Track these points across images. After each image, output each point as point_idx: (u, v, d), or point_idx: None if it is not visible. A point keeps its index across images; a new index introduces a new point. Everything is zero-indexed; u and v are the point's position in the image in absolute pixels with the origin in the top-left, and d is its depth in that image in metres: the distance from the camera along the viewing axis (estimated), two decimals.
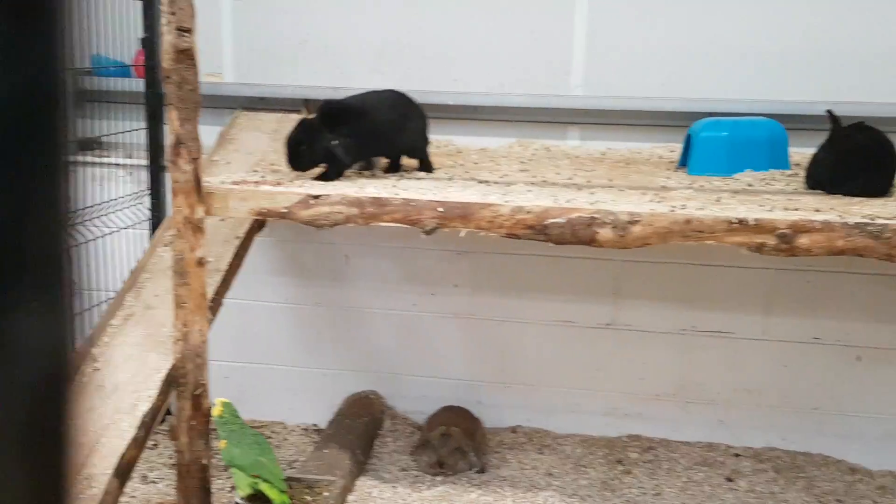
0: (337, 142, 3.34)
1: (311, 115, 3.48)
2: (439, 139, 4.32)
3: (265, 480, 3.17)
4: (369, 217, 3.13)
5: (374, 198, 3.12)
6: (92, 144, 4.48)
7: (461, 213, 3.07)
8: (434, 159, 4.01)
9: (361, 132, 3.44)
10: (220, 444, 3.19)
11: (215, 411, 3.21)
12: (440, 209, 3.07)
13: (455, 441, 4.04)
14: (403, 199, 3.10)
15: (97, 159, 4.46)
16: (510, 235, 3.08)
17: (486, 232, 3.08)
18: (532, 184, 3.44)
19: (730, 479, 4.07)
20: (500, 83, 4.28)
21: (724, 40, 4.11)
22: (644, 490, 3.96)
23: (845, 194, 3.32)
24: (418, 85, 4.28)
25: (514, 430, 4.50)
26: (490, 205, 3.06)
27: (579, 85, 4.23)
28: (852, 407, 4.26)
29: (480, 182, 3.45)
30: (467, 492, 3.88)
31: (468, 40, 4.28)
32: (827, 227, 2.90)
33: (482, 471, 4.05)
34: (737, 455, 4.29)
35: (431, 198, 3.10)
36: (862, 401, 4.25)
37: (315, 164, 3.40)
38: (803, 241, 2.92)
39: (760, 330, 4.26)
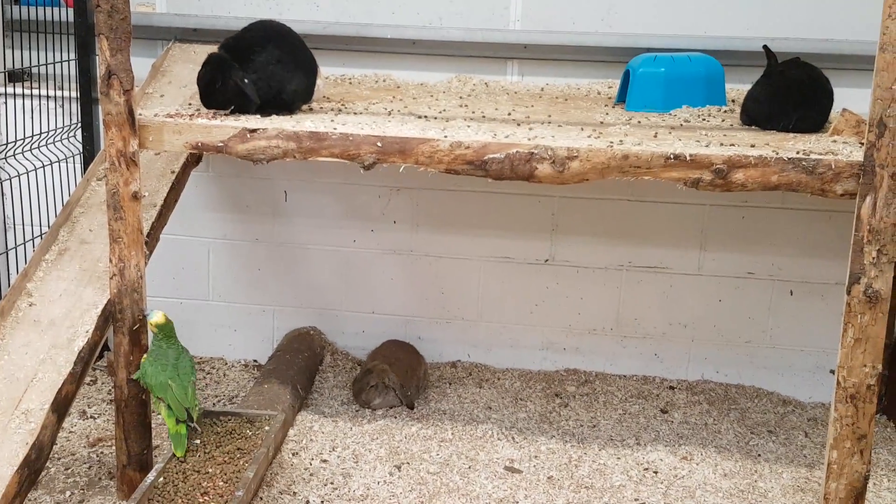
0: (247, 80, 3.26)
1: (218, 50, 3.35)
2: (378, 73, 4.30)
3: (167, 406, 3.14)
4: (307, 152, 3.10)
5: (312, 132, 3.09)
6: (21, 76, 4.38)
7: (400, 148, 3.06)
8: (372, 93, 3.99)
9: (267, 66, 3.33)
10: (143, 359, 3.17)
11: (157, 317, 3.16)
12: (379, 144, 3.05)
13: (374, 378, 4.05)
14: (342, 133, 3.08)
15: (27, 91, 4.36)
16: (449, 171, 3.07)
17: (425, 167, 3.08)
18: (471, 119, 3.43)
19: (664, 411, 4.15)
20: (438, 17, 4.24)
21: None
22: (581, 422, 4.03)
23: (780, 130, 3.36)
24: (355, 18, 4.25)
25: (453, 364, 4.54)
26: (429, 140, 3.05)
27: (518, 20, 4.21)
28: (785, 340, 4.36)
29: (419, 117, 3.43)
30: (407, 425, 3.92)
31: None
32: (762, 162, 2.94)
33: (411, 406, 4.08)
34: (671, 388, 4.37)
35: (370, 132, 3.08)
36: (794, 334, 4.34)
37: (228, 104, 3.29)
38: (738, 175, 2.95)
39: (696, 265, 4.32)
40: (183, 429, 3.18)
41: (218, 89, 3.27)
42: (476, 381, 4.39)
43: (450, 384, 4.35)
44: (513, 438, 3.85)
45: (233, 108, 3.30)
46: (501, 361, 4.55)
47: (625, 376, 4.47)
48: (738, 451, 3.81)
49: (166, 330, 3.19)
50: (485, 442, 3.82)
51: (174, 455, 3.18)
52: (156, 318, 3.18)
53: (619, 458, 3.73)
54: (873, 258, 2.87)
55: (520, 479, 3.56)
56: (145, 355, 3.18)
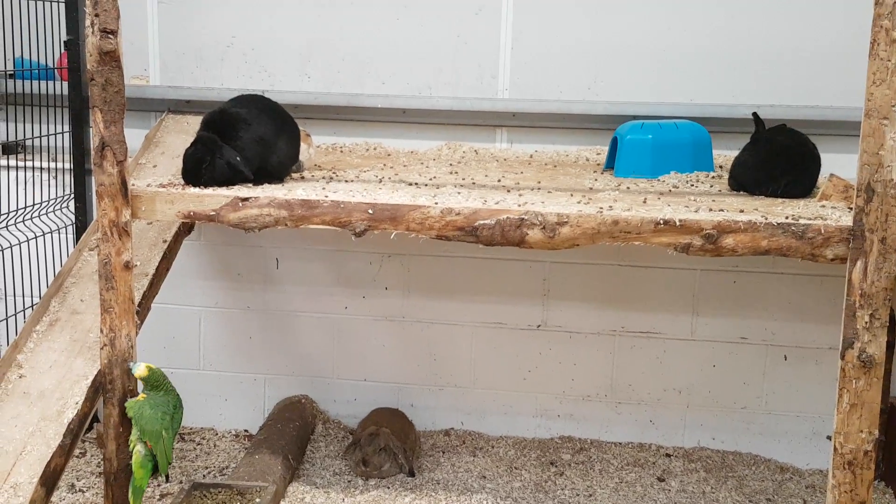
0: (239, 158, 3.28)
1: (202, 129, 3.38)
2: (369, 141, 4.34)
3: (148, 454, 3.07)
4: (299, 219, 3.11)
5: (304, 200, 3.11)
6: (15, 148, 4.41)
7: (391, 215, 3.07)
8: (363, 161, 4.01)
9: (251, 141, 3.36)
10: (140, 397, 3.10)
11: (140, 371, 3.11)
12: (370, 211, 3.07)
13: (382, 440, 4.03)
14: (333, 201, 3.09)
15: (21, 163, 4.38)
16: (440, 237, 3.08)
17: (416, 234, 3.09)
18: (461, 186, 3.45)
19: (661, 479, 4.11)
20: (427, 86, 4.29)
21: (648, 44, 4.17)
22: (577, 491, 3.99)
23: (768, 195, 3.38)
24: (346, 88, 4.30)
25: (446, 432, 4.50)
26: (420, 206, 3.06)
27: (507, 88, 4.26)
28: (780, 406, 4.33)
29: (410, 184, 3.45)
30: (400, 496, 3.88)
31: (395, 44, 4.28)
32: (751, 227, 2.95)
33: (412, 474, 4.05)
34: (668, 455, 4.34)
35: (361, 200, 3.10)
36: (789, 399, 4.32)
37: (216, 182, 3.27)
38: (728, 240, 2.96)
39: (688, 330, 4.31)
40: (145, 483, 3.11)
41: (205, 169, 3.27)
42: (470, 450, 4.35)
43: (443, 452, 4.31)
44: None
45: (221, 183, 3.30)
46: (495, 429, 4.52)
47: (620, 443, 4.43)
48: None
49: (154, 379, 3.14)
50: None
51: None
52: (139, 371, 3.12)
53: None
54: (866, 323, 2.87)
55: None
56: (143, 394, 3.12)
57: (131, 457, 3.10)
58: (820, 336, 4.23)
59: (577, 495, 3.95)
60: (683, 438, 4.42)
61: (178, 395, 3.21)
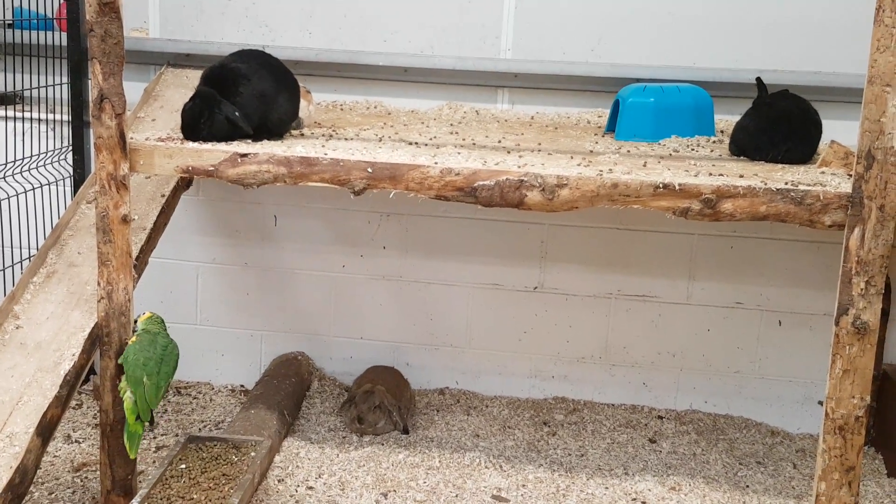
0: (238, 113, 3.26)
1: (202, 83, 3.36)
2: (369, 100, 4.32)
3: (134, 400, 3.07)
4: (298, 176, 3.10)
5: (303, 157, 3.10)
6: (13, 98, 4.39)
7: (390, 174, 3.07)
8: (363, 119, 4.00)
9: (251, 97, 3.34)
10: (131, 340, 3.11)
11: (143, 317, 3.14)
12: (369, 170, 3.06)
13: (377, 398, 4.06)
14: (332, 158, 3.08)
15: (18, 114, 4.36)
16: (439, 197, 3.08)
17: (415, 193, 3.08)
18: (461, 146, 3.44)
19: (653, 441, 4.14)
20: (430, 45, 4.27)
21: (652, 7, 4.14)
22: (569, 451, 4.02)
23: (769, 161, 3.37)
24: (347, 45, 4.27)
25: (441, 391, 4.53)
26: (419, 166, 3.05)
27: (509, 49, 4.24)
28: (773, 371, 4.36)
29: (410, 144, 3.44)
30: (394, 452, 3.90)
31: (398, 1, 4.25)
32: (750, 192, 2.95)
33: (406, 431, 4.08)
34: (660, 417, 4.37)
35: (360, 158, 3.09)
36: (782, 365, 4.35)
37: (215, 137, 3.26)
38: (727, 205, 2.96)
39: (684, 294, 4.33)
40: (140, 428, 3.12)
41: (204, 123, 3.25)
42: (464, 409, 4.38)
43: (437, 411, 4.33)
44: (500, 467, 3.84)
45: (220, 139, 3.29)
46: (489, 389, 4.54)
47: (613, 405, 4.46)
48: (727, 482, 3.81)
49: (153, 322, 3.16)
50: (472, 470, 3.80)
51: (158, 481, 3.16)
52: (142, 318, 3.17)
53: (607, 488, 3.72)
54: (861, 290, 2.87)
55: None
56: (134, 337, 3.14)
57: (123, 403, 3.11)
58: (815, 302, 4.25)
59: (569, 455, 3.98)
60: (676, 401, 4.45)
61: (174, 345, 3.19)
